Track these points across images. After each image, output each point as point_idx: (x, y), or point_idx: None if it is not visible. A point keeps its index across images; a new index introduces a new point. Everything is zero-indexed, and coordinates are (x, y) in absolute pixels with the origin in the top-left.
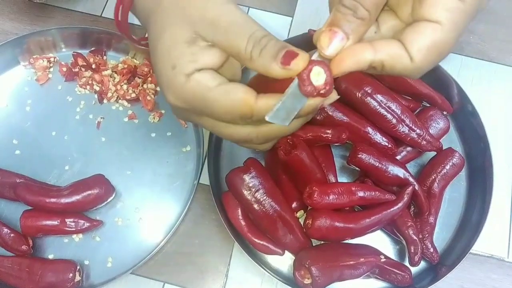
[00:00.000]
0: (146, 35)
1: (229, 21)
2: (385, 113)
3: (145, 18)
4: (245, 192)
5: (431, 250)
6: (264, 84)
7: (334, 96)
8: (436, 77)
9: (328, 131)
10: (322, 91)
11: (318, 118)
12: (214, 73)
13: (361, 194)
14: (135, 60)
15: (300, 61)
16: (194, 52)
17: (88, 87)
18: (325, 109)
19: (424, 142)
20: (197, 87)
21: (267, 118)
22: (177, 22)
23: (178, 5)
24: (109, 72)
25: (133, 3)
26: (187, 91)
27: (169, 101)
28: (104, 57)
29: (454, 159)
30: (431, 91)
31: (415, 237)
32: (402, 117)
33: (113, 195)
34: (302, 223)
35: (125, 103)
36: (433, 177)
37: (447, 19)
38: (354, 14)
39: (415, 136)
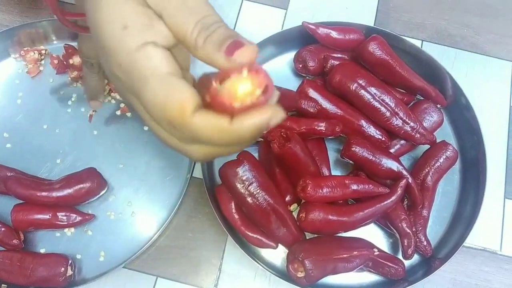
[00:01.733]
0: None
1: None
2: (379, 106)
3: None
4: (239, 186)
5: (425, 243)
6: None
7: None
8: (430, 70)
9: (322, 124)
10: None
11: (311, 111)
12: (170, 56)
13: (354, 187)
14: None
15: (246, 52)
16: (150, 15)
17: (79, 80)
18: (318, 102)
19: (418, 135)
20: (144, 64)
21: None
22: None
23: None
24: None
25: None
26: (132, 60)
27: (109, 66)
28: None
29: (448, 152)
30: (425, 84)
31: (408, 230)
32: (396, 110)
33: (106, 189)
34: (295, 216)
35: (118, 96)
36: (427, 170)
37: None
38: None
39: (409, 129)
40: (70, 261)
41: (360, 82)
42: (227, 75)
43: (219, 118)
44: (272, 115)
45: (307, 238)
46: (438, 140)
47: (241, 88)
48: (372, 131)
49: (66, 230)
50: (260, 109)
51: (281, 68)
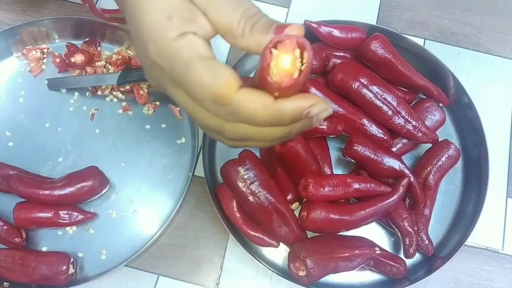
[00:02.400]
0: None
1: None
2: (381, 104)
3: None
4: (240, 184)
5: (426, 242)
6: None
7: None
8: (433, 69)
9: (324, 123)
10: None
11: None
12: (208, 45)
13: (356, 186)
14: (129, 51)
15: (294, 27)
16: (193, 11)
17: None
18: None
19: (420, 134)
20: (187, 49)
21: None
22: None
23: None
24: (102, 63)
25: None
26: (174, 48)
27: (149, 55)
28: (98, 48)
29: (450, 151)
30: (427, 83)
31: (410, 229)
32: (398, 108)
33: (107, 187)
34: (297, 215)
35: (119, 95)
36: (429, 169)
37: None
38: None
39: (411, 128)
40: (72, 259)
41: (362, 80)
42: (268, 62)
43: (263, 95)
44: (314, 103)
45: (309, 237)
46: (440, 139)
47: (285, 60)
48: (374, 129)
49: (68, 228)
50: (305, 95)
51: None
